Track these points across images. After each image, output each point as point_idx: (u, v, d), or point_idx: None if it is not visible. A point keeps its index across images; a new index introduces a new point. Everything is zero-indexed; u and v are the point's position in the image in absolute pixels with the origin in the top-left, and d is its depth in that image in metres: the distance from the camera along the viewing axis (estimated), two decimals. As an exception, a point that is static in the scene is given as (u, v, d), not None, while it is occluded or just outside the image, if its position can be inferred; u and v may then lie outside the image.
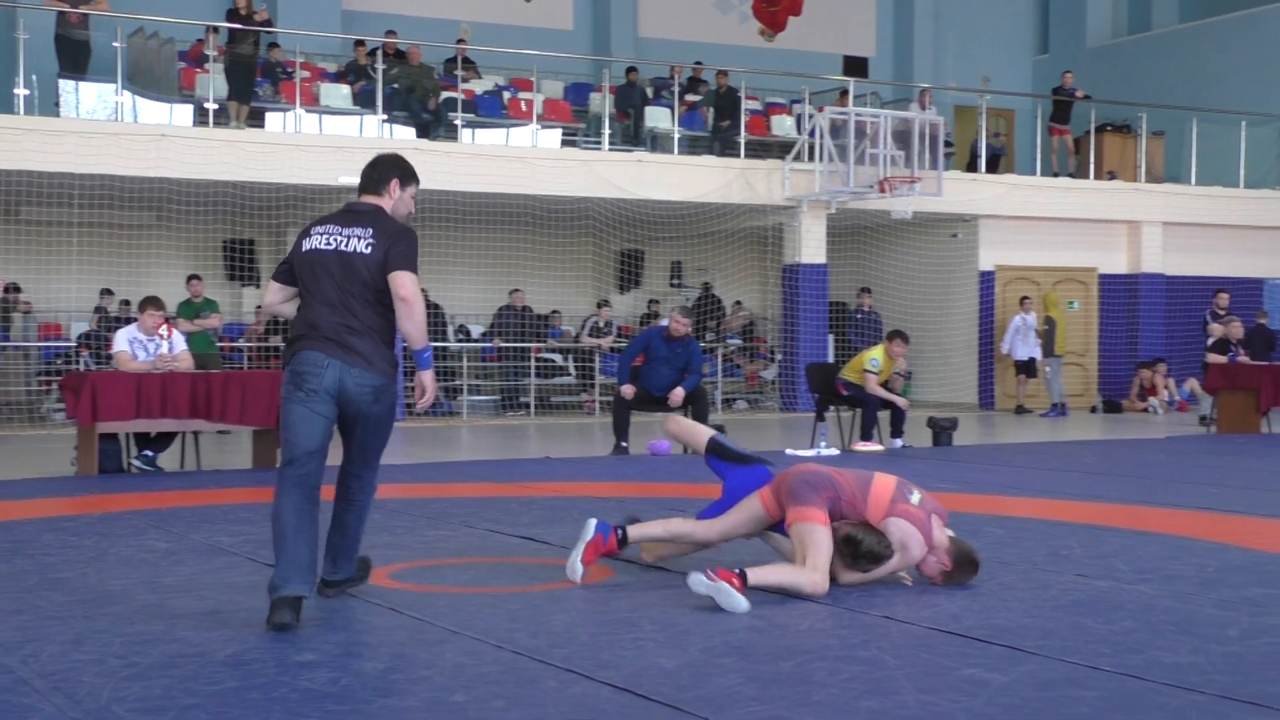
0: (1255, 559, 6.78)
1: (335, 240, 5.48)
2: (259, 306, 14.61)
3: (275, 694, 4.18)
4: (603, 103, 20.25)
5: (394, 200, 5.78)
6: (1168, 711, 3.96)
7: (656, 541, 6.31)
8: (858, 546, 5.69)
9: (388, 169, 5.83)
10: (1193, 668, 4.47)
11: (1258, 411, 16.02)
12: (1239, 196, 23.02)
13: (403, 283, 5.36)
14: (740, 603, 5.31)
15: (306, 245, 5.52)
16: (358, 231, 5.49)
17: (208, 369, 11.78)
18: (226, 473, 11.25)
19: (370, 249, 5.42)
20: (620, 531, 6.18)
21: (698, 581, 5.37)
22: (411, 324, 5.37)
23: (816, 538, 5.64)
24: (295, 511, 5.22)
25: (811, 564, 5.59)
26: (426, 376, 5.55)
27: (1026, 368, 20.51)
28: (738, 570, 5.46)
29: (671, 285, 22.42)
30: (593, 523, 6.19)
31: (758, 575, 5.52)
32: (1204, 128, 23.20)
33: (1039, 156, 22.80)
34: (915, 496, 5.90)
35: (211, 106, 17.51)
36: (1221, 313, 18.42)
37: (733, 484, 6.21)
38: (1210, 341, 18.00)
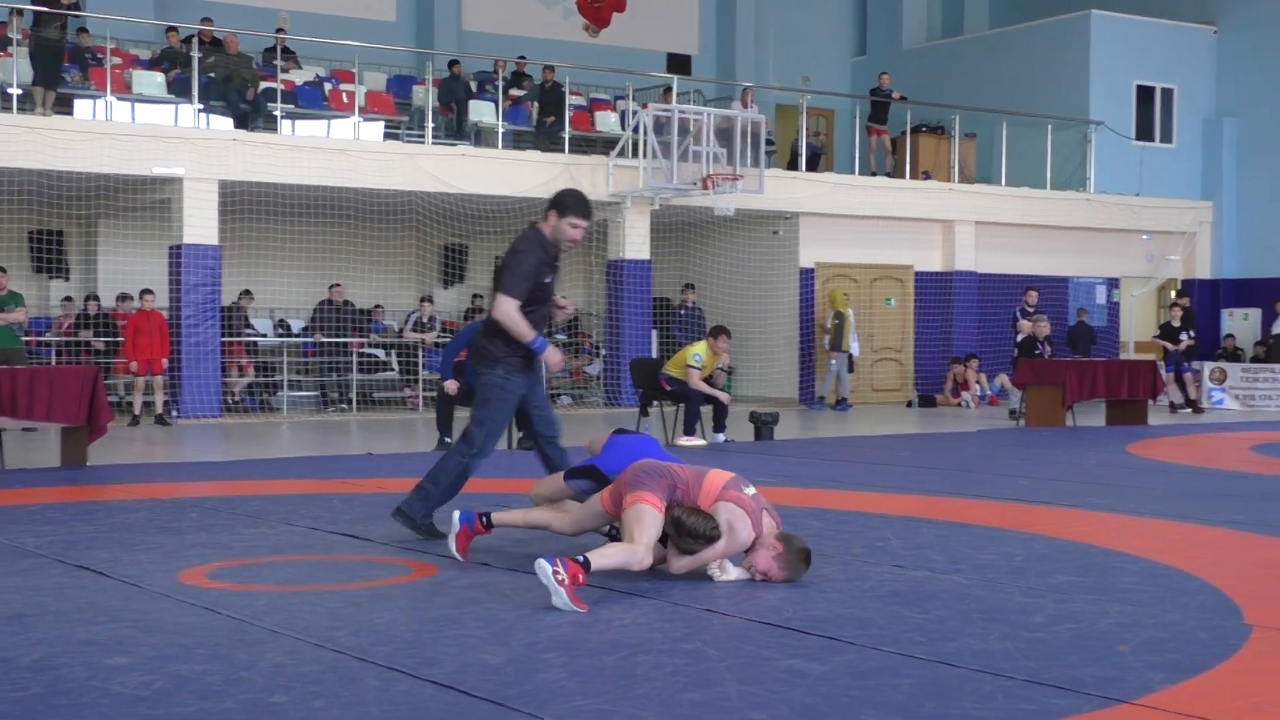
0: (1060, 548, 7.03)
1: None
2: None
3: (85, 699, 4.05)
4: (426, 96, 20.06)
5: (550, 226, 7.00)
6: (978, 697, 4.08)
7: (520, 521, 6.52)
8: (682, 525, 5.80)
9: (550, 200, 7.03)
10: (1002, 654, 4.62)
11: (1063, 405, 16.60)
12: (1046, 197, 23.83)
13: (495, 306, 6.91)
14: (569, 606, 5.31)
15: None
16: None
17: (13, 364, 11.36)
18: (33, 471, 10.86)
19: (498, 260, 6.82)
20: (485, 518, 6.46)
21: (543, 570, 5.37)
22: (508, 334, 6.87)
23: (644, 517, 5.76)
24: None
25: (636, 540, 5.71)
26: (544, 355, 6.99)
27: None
28: (582, 559, 5.48)
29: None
30: (456, 515, 6.45)
31: (598, 560, 5.58)
32: (1013, 130, 23.96)
33: (857, 156, 23.29)
34: (750, 490, 6.00)
35: (15, 92, 16.87)
36: (1031, 310, 19.04)
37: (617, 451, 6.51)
38: (1019, 338, 18.60)
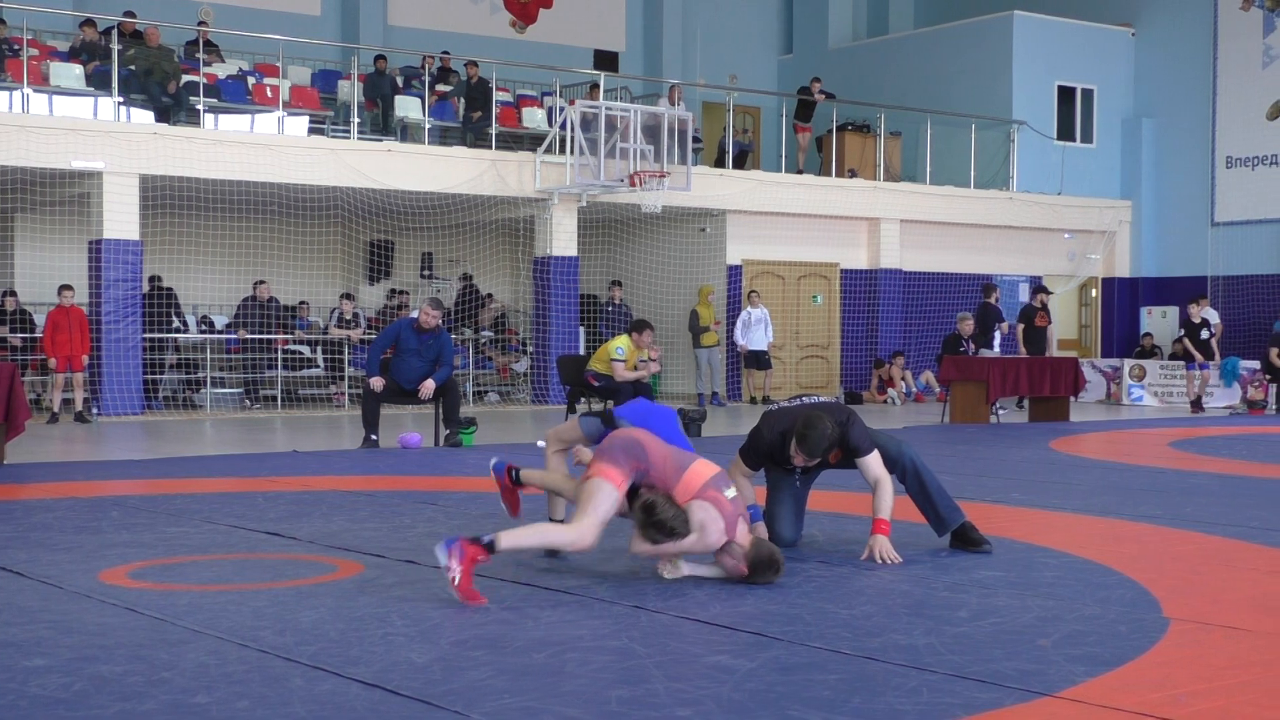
0: (984, 543, 7.09)
1: None
2: None
3: (1, 702, 3.98)
4: (351, 91, 19.91)
5: None
6: (903, 691, 4.12)
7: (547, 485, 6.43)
8: (652, 513, 5.60)
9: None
10: (926, 648, 4.66)
11: (987, 402, 16.78)
12: (970, 196, 24.07)
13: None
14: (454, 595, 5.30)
15: None
16: None
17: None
18: (-52, 470, 10.66)
19: None
20: (514, 472, 6.37)
21: (441, 553, 5.34)
22: None
23: (599, 495, 5.60)
24: None
25: (582, 518, 5.55)
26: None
27: (756, 359, 21.09)
28: (486, 540, 5.38)
29: (422, 277, 22.22)
30: (494, 461, 6.46)
31: (511, 539, 5.47)
32: (937, 129, 24.18)
33: (784, 154, 23.39)
34: (730, 491, 5.82)
35: (-70, 83, 16.56)
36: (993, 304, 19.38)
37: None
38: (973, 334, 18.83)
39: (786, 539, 6.83)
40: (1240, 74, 24.97)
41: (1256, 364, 20.75)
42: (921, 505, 6.93)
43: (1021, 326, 19.86)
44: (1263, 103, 24.68)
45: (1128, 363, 22.35)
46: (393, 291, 21.28)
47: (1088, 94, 25.94)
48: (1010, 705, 3.98)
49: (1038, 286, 20.97)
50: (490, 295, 22.17)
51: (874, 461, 6.69)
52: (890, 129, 24.22)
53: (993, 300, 20.04)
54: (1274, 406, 19.77)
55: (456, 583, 5.29)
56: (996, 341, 19.90)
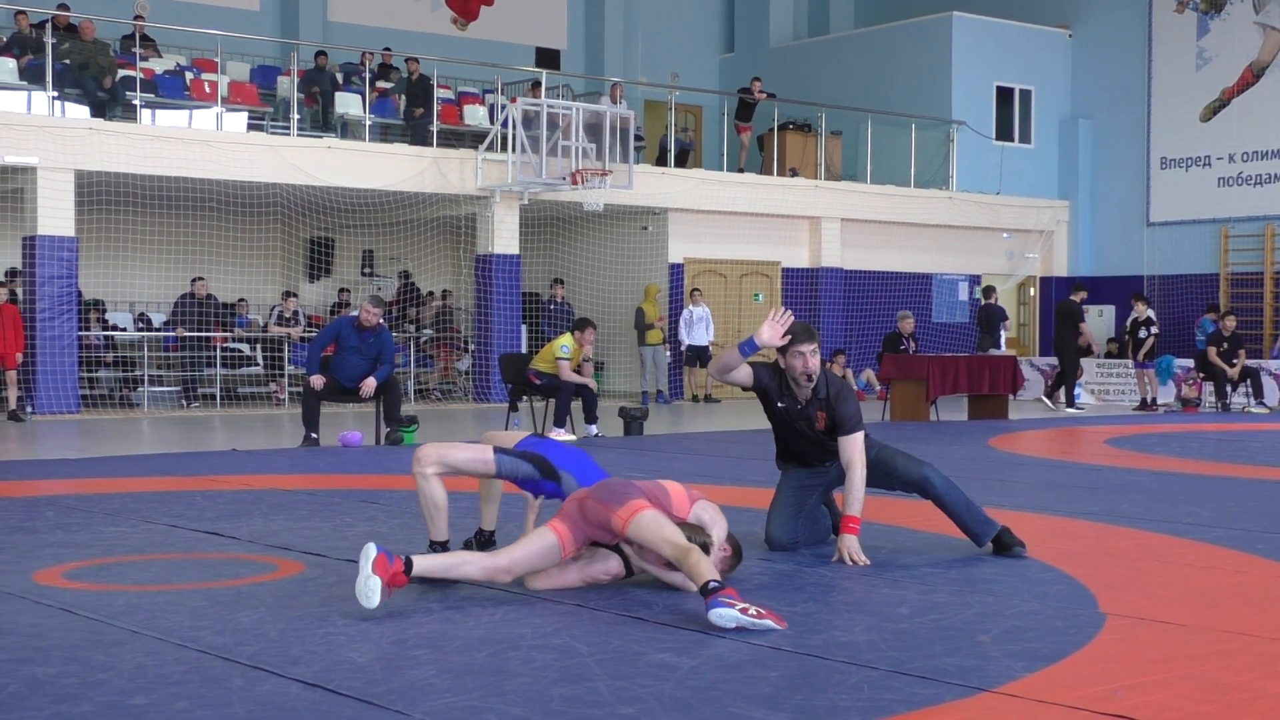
0: (924, 540, 7.16)
1: None
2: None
3: (-65, 705, 3.92)
4: (291, 87, 19.77)
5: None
6: (844, 688, 4.13)
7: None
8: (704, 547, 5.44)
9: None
10: (868, 645, 4.68)
11: (927, 400, 16.90)
12: (910, 195, 24.24)
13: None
14: (373, 599, 5.05)
15: None
16: None
17: None
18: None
19: None
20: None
21: (366, 552, 5.10)
22: None
23: (537, 539, 5.40)
24: None
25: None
26: None
27: (698, 357, 21.16)
28: (405, 559, 5.17)
29: (363, 274, 22.09)
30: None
31: (426, 564, 5.23)
32: (878, 129, 24.33)
33: (725, 152, 23.45)
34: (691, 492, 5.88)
35: None
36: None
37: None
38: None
39: (775, 538, 6.68)
40: (1174, 76, 25.30)
41: (1190, 362, 21.01)
42: (955, 521, 6.79)
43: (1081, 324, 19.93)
44: (1196, 104, 25.02)
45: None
46: (340, 290, 21.14)
47: (1025, 95, 26.18)
48: (950, 701, 4.00)
49: (1079, 284, 21.07)
50: (431, 293, 22.08)
51: (852, 443, 6.42)
52: (831, 128, 24.35)
53: (994, 300, 20.25)
54: (1216, 403, 19.98)
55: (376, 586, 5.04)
56: (1003, 340, 20.11)
